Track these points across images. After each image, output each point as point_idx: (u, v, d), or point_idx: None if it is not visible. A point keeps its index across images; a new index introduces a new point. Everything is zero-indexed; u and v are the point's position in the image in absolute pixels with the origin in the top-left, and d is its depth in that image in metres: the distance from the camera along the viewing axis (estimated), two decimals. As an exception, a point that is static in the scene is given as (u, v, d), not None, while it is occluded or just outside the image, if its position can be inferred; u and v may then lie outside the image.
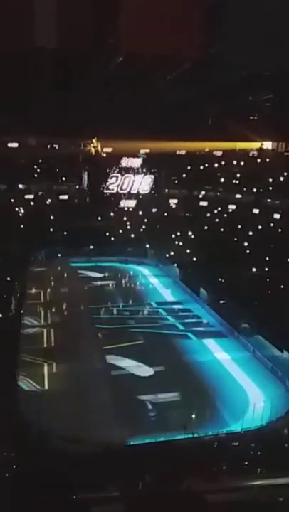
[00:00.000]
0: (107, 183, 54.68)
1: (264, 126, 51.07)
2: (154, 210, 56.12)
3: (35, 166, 55.54)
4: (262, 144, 57.09)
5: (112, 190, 55.15)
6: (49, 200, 55.32)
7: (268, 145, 57.31)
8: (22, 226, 50.96)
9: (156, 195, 56.33)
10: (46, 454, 18.92)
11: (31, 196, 54.32)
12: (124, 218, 55.27)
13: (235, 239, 48.45)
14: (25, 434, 20.41)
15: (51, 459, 18.45)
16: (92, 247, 50.89)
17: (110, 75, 46.41)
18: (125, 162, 54.40)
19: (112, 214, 55.61)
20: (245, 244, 46.86)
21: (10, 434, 19.67)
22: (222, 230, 51.45)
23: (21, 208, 53.69)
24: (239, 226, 50.28)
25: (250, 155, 57.76)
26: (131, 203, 55.62)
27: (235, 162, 57.61)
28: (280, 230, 47.93)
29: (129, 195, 55.79)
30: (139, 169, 54.87)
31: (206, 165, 57.82)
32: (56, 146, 55.07)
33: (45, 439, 20.22)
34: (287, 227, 46.58)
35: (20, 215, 53.66)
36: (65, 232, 51.07)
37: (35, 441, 20.15)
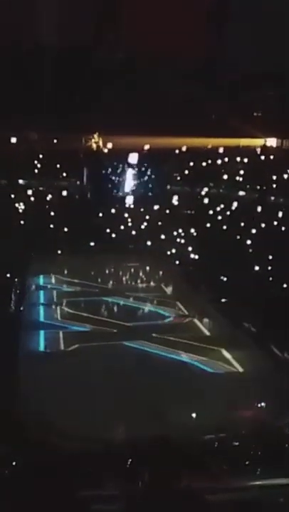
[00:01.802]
0: (108, 179, 54.47)
1: (268, 122, 50.68)
2: (156, 207, 55.61)
3: (36, 162, 55.25)
4: (266, 141, 56.61)
5: (113, 186, 54.94)
6: (49, 196, 55.00)
7: (272, 142, 56.81)
8: (22, 222, 50.83)
9: (157, 191, 55.97)
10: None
11: (30, 192, 54.00)
12: (126, 215, 54.80)
13: (238, 237, 47.98)
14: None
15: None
16: (92, 243, 50.53)
17: (112, 71, 46.32)
18: (126, 158, 54.22)
19: (113, 210, 55.16)
20: (248, 242, 46.41)
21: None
22: (224, 227, 51.00)
23: (21, 204, 53.43)
24: (242, 224, 49.81)
25: (254, 152, 57.26)
26: (132, 200, 55.31)
27: (238, 159, 57.09)
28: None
29: (131, 192, 55.53)
30: (141, 165, 54.60)
31: (209, 161, 57.32)
32: (57, 142, 54.76)
33: None
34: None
35: (20, 211, 53.30)
36: (66, 229, 50.81)
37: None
